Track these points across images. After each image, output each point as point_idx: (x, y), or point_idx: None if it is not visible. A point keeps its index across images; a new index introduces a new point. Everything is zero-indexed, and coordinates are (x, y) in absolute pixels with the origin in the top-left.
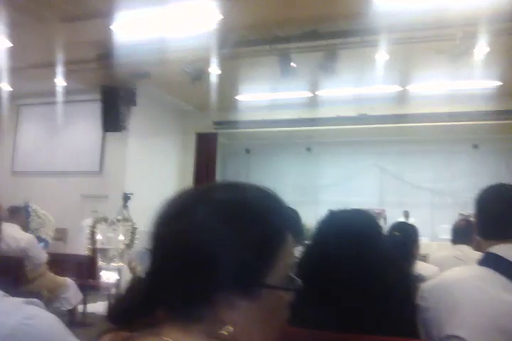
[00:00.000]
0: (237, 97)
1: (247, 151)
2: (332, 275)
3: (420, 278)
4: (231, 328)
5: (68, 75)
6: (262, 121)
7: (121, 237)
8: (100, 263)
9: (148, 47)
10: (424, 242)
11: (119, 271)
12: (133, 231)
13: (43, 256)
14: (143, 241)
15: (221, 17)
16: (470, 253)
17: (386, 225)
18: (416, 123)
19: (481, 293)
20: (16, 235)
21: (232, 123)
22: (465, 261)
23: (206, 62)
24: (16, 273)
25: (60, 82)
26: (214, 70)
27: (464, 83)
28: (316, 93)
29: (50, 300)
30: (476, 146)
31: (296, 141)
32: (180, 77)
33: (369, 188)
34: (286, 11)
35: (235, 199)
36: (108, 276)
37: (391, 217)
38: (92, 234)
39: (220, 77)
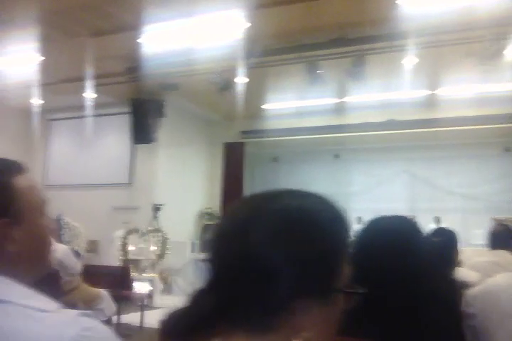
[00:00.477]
0: (264, 106)
1: (275, 160)
2: (377, 282)
3: (465, 285)
4: (306, 334)
5: (98, 89)
6: (289, 129)
7: (152, 248)
8: (132, 273)
9: (176, 58)
10: None
11: (150, 281)
12: (164, 241)
13: (78, 268)
14: (174, 252)
15: (248, 26)
16: (509, 259)
17: None
18: (445, 128)
19: None
20: None
21: (260, 132)
22: (504, 267)
23: (233, 72)
24: (53, 285)
25: (89, 95)
26: (241, 80)
27: (493, 86)
28: (343, 99)
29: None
30: (508, 149)
31: (324, 148)
32: (207, 87)
33: (399, 194)
34: (313, 19)
35: (303, 207)
36: (140, 287)
37: (422, 224)
38: (124, 245)
39: (247, 86)
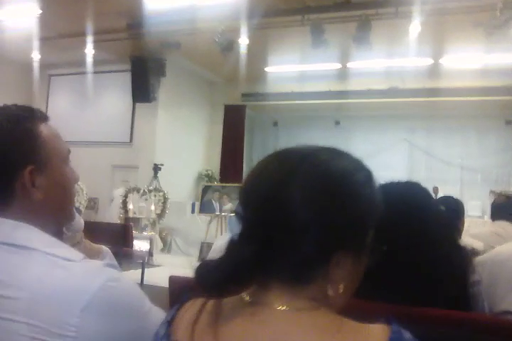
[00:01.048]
0: (266, 69)
1: (275, 124)
2: (389, 248)
3: (475, 252)
4: (342, 286)
5: (98, 45)
6: (290, 93)
7: (152, 207)
8: (131, 232)
9: (178, 16)
10: None
11: (150, 240)
12: (164, 201)
13: (80, 224)
14: (172, 211)
15: None
16: (510, 230)
17: None
18: (447, 98)
19: None
20: None
21: (261, 96)
22: (505, 238)
23: (236, 32)
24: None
25: (90, 51)
26: (244, 41)
27: (498, 57)
28: (346, 65)
29: None
30: (509, 122)
31: (325, 114)
32: (209, 47)
33: (398, 163)
34: None
35: (340, 166)
36: (140, 245)
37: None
38: (124, 203)
39: (250, 47)
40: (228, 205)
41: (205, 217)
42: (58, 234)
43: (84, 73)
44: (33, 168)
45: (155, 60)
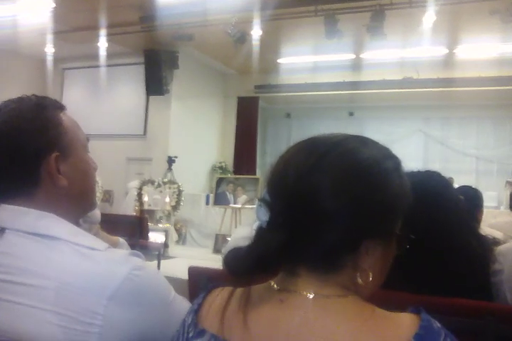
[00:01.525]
0: (279, 60)
1: (288, 115)
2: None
3: (496, 242)
4: (371, 274)
5: (111, 38)
6: (303, 84)
7: (167, 199)
8: (147, 224)
9: (191, 8)
10: None
11: (165, 232)
12: (179, 193)
13: (97, 216)
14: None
15: None
16: None
17: None
18: (462, 88)
19: None
20: None
21: (274, 87)
22: None
23: (249, 24)
24: None
25: (103, 45)
26: (256, 32)
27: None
28: (360, 56)
29: None
30: None
31: (339, 105)
32: (222, 39)
33: (413, 154)
34: None
35: (369, 154)
36: (155, 237)
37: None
38: (139, 195)
39: (262, 39)
40: (242, 197)
41: (219, 209)
42: (76, 226)
43: (97, 66)
44: (58, 155)
45: (168, 52)
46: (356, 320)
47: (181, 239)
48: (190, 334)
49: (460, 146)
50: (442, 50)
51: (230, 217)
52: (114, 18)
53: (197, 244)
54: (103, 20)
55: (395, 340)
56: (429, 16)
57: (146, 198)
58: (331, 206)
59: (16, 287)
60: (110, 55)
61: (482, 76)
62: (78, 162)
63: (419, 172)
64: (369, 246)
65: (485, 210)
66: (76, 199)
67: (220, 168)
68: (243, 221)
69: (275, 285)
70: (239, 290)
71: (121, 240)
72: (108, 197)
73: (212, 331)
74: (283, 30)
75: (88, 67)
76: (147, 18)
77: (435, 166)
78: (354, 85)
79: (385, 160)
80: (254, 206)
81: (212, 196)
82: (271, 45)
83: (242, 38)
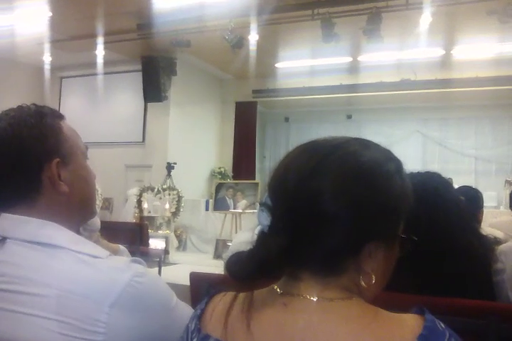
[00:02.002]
0: (276, 65)
1: (286, 120)
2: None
3: (497, 241)
4: (374, 277)
5: (109, 46)
6: (301, 88)
7: (167, 206)
8: (147, 230)
9: (187, 15)
10: None
11: (165, 238)
12: (178, 199)
13: (97, 223)
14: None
15: None
16: None
17: None
18: (460, 89)
19: None
20: None
21: (272, 91)
22: None
23: (245, 29)
24: None
25: (100, 53)
26: (253, 37)
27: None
28: (357, 58)
29: None
30: None
31: (337, 108)
32: (219, 45)
33: (411, 155)
34: None
35: (371, 157)
36: (156, 244)
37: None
38: (139, 202)
39: (260, 44)
40: (242, 202)
41: (219, 215)
42: (77, 234)
43: (95, 74)
44: (59, 161)
45: (165, 59)
46: (360, 323)
47: (182, 245)
48: (194, 340)
49: (458, 147)
50: (439, 51)
51: (230, 222)
52: (111, 25)
53: (197, 250)
54: (100, 28)
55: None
56: (426, 18)
57: (145, 205)
58: (332, 209)
59: (17, 296)
60: (108, 62)
61: (480, 76)
62: (79, 169)
63: (419, 174)
64: (371, 248)
65: (485, 210)
66: (77, 206)
67: (219, 173)
68: (243, 226)
69: (278, 289)
70: (241, 295)
71: (122, 247)
72: (108, 204)
73: (216, 336)
74: (280, 34)
75: (86, 76)
76: (144, 26)
77: (434, 167)
78: (352, 88)
79: (387, 162)
80: (254, 211)
81: (211, 201)
82: (268, 49)
83: (239, 43)
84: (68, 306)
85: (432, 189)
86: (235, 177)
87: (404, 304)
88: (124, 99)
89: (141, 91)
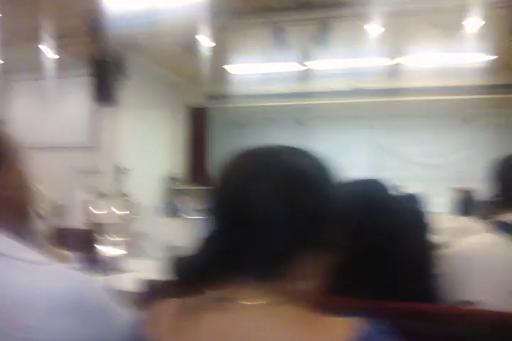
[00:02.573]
0: (229, 70)
1: (239, 125)
2: (353, 244)
3: (438, 246)
4: (309, 282)
5: (59, 50)
6: (254, 95)
7: (118, 212)
8: (99, 237)
9: (140, 18)
10: None
11: (118, 245)
12: (131, 205)
13: (42, 228)
14: (140, 215)
15: None
16: (472, 225)
17: None
18: (408, 97)
19: (492, 260)
20: None
21: (224, 97)
22: (467, 232)
23: (198, 34)
24: None
25: (51, 56)
26: (206, 42)
27: (455, 57)
28: (309, 66)
29: None
30: (466, 121)
31: (289, 116)
32: (172, 49)
33: (362, 162)
34: None
35: (304, 165)
36: (107, 250)
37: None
38: (90, 208)
39: (212, 49)
40: (194, 207)
41: (171, 221)
42: (19, 239)
43: (45, 78)
44: None
45: (117, 62)
46: (294, 327)
47: (133, 251)
48: None
49: (407, 154)
50: (388, 61)
51: (182, 229)
52: (61, 29)
53: (149, 257)
54: (50, 32)
55: None
56: (375, 28)
57: (96, 211)
58: (266, 215)
59: None
60: (58, 66)
61: (426, 86)
62: (15, 173)
63: (361, 180)
64: (305, 254)
65: (431, 216)
66: (14, 211)
67: (172, 178)
68: (195, 232)
69: (216, 295)
70: (183, 301)
71: (69, 254)
72: (57, 210)
73: None
74: (233, 39)
75: (35, 79)
76: (95, 29)
77: (383, 174)
78: (303, 95)
79: (317, 170)
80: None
81: (164, 207)
82: (221, 54)
83: (192, 47)
84: (6, 314)
85: (373, 195)
86: (187, 183)
87: (346, 308)
88: (75, 102)
89: (92, 95)
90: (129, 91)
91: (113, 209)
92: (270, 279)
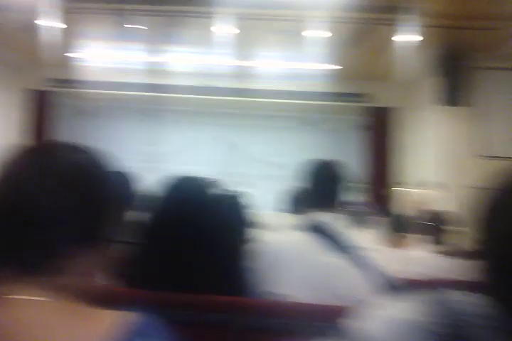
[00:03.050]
0: (75, 55)
1: (84, 113)
2: (168, 237)
3: (253, 241)
4: (86, 277)
5: None
6: (101, 82)
7: None
8: None
9: None
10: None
11: None
12: None
13: None
14: None
15: None
16: (289, 221)
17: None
18: (260, 99)
19: (297, 256)
20: None
21: (68, 82)
22: (284, 229)
23: (42, 15)
24: None
25: None
26: (50, 23)
27: (303, 64)
28: (158, 59)
29: None
30: (306, 124)
31: (137, 107)
32: (13, 28)
33: (207, 158)
34: None
35: (80, 162)
36: None
37: (227, 187)
38: None
39: (59, 31)
40: None
41: None
42: None
43: None
44: None
45: None
46: (65, 322)
47: None
48: None
49: (254, 153)
50: (238, 62)
51: None
52: None
53: None
54: None
55: (89, 338)
56: (224, 28)
57: None
58: (42, 212)
59: None
60: None
61: (273, 89)
62: None
63: (178, 177)
64: (81, 250)
65: (255, 212)
66: None
67: None
68: None
69: None
70: None
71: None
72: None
73: None
74: (80, 23)
75: None
76: None
77: (228, 171)
78: (152, 87)
79: (92, 167)
80: None
81: None
82: (67, 38)
83: (35, 27)
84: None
85: (182, 194)
86: None
87: (131, 301)
88: None
89: None
90: None
91: None
92: (47, 275)
